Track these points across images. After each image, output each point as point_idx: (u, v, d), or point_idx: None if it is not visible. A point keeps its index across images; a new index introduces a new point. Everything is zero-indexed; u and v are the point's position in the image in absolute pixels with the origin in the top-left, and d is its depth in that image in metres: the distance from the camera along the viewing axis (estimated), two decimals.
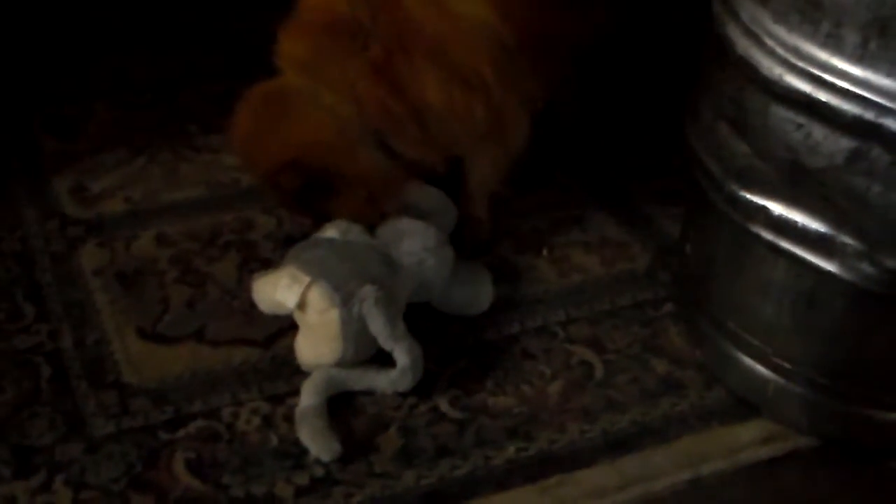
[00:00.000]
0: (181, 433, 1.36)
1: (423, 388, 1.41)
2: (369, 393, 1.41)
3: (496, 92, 1.51)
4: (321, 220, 1.55)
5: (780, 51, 1.21)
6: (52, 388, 1.41)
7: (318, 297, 1.39)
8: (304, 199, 1.55)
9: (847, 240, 1.24)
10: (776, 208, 1.29)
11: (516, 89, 1.55)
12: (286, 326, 1.47)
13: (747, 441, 1.39)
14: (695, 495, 1.32)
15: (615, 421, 1.40)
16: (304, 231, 1.63)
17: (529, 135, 1.62)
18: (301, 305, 1.40)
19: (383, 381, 1.40)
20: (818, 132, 1.20)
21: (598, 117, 1.93)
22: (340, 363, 1.40)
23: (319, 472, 1.32)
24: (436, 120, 1.51)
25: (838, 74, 1.16)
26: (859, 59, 1.15)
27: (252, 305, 1.50)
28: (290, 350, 1.45)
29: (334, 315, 1.38)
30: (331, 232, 1.51)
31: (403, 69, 1.48)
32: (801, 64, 1.19)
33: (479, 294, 1.54)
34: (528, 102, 1.60)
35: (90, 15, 2.11)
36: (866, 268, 1.24)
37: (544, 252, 1.67)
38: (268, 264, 1.59)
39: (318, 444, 1.32)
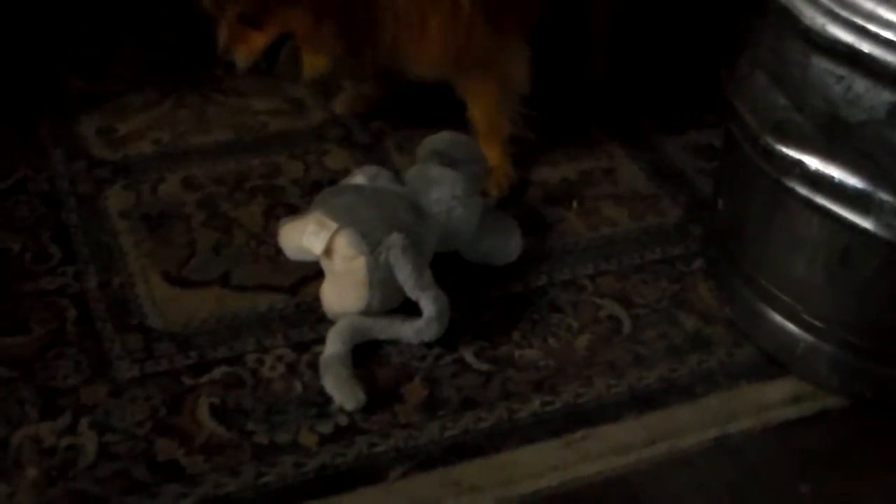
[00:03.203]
0: (205, 378, 1.36)
1: (448, 339, 1.41)
2: (394, 342, 1.40)
3: (465, 15, 1.49)
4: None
5: None
6: (77, 331, 1.41)
7: (345, 244, 1.38)
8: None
9: (884, 196, 1.22)
10: (812, 163, 1.26)
11: (498, 21, 1.54)
12: (312, 273, 1.46)
13: (776, 400, 1.37)
14: (721, 453, 1.31)
15: (642, 376, 1.39)
16: (332, 177, 1.63)
17: (530, 73, 1.62)
18: (328, 252, 1.39)
19: (409, 331, 1.39)
20: (860, 85, 1.18)
21: (631, 69, 1.91)
22: (366, 311, 1.39)
23: (343, 420, 1.31)
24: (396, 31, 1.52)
25: (883, 25, 1.14)
26: None
27: (278, 251, 1.50)
28: (316, 297, 1.44)
29: (361, 262, 1.37)
30: (359, 178, 1.50)
31: None
32: (844, 13, 1.17)
33: (507, 245, 1.53)
34: (518, 36, 1.60)
35: None
36: None
37: (574, 204, 1.65)
38: (294, 210, 1.59)
39: (342, 392, 1.32)
